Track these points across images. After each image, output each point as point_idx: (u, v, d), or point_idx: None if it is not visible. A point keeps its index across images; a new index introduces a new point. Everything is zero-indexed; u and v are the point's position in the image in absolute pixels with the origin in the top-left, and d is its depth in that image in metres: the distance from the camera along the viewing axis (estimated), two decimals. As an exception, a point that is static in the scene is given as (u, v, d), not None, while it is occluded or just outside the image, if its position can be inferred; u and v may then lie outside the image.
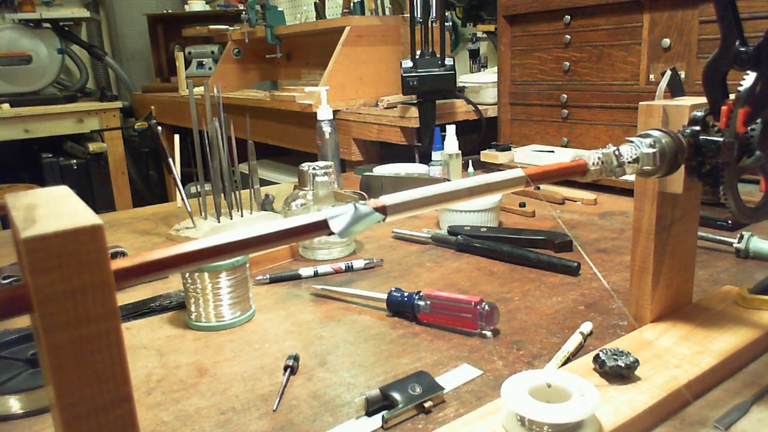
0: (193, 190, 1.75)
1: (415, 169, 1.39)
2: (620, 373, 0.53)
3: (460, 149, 1.34)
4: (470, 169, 1.37)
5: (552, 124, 1.44)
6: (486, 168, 1.48)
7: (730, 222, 1.01)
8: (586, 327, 0.67)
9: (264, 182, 1.86)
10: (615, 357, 0.53)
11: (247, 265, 0.77)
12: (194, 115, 1.07)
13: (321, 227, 0.37)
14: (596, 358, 0.54)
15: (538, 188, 1.29)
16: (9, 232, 1.04)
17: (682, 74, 1.16)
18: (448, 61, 1.46)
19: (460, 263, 0.92)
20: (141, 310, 0.80)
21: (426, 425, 0.53)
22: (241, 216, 1.12)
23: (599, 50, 1.31)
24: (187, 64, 3.13)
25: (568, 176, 0.50)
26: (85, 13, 3.29)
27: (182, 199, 1.08)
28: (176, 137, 1.12)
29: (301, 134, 1.99)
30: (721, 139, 0.53)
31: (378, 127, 1.67)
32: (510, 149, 1.46)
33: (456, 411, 0.55)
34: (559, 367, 0.60)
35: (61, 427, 0.29)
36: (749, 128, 0.53)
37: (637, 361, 0.53)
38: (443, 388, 0.56)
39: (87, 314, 0.29)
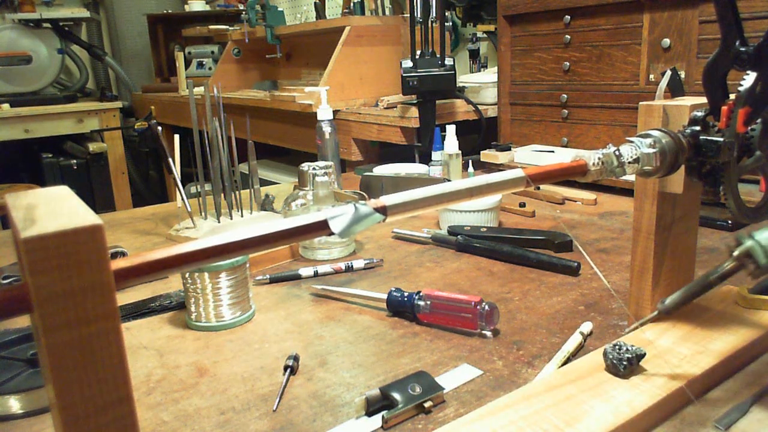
0: (193, 190, 1.75)
1: (415, 169, 1.39)
2: (628, 360, 0.53)
3: (460, 149, 1.34)
4: (470, 169, 1.37)
5: (552, 124, 1.44)
6: (486, 168, 1.48)
7: (730, 222, 1.01)
8: (586, 327, 0.67)
9: (264, 182, 1.86)
10: (620, 348, 0.54)
11: (247, 265, 0.77)
12: (194, 115, 1.07)
13: (321, 227, 0.37)
14: (605, 351, 0.55)
15: (538, 188, 1.29)
16: (9, 232, 1.03)
17: (682, 74, 1.15)
18: (448, 61, 1.46)
19: (460, 263, 0.92)
20: (141, 310, 0.80)
21: (426, 425, 0.53)
22: (241, 216, 1.12)
23: (599, 50, 1.31)
24: (187, 64, 3.13)
25: (569, 176, 0.50)
26: (85, 13, 3.29)
27: (182, 199, 1.08)
28: (176, 137, 1.12)
29: (301, 134, 1.99)
30: (721, 139, 0.53)
31: (378, 127, 1.67)
32: (510, 149, 1.46)
33: (456, 411, 0.55)
34: (560, 367, 0.60)
35: (61, 427, 0.29)
36: (749, 128, 0.53)
37: (644, 353, 0.53)
38: (443, 388, 0.56)
39: (87, 314, 0.29)
